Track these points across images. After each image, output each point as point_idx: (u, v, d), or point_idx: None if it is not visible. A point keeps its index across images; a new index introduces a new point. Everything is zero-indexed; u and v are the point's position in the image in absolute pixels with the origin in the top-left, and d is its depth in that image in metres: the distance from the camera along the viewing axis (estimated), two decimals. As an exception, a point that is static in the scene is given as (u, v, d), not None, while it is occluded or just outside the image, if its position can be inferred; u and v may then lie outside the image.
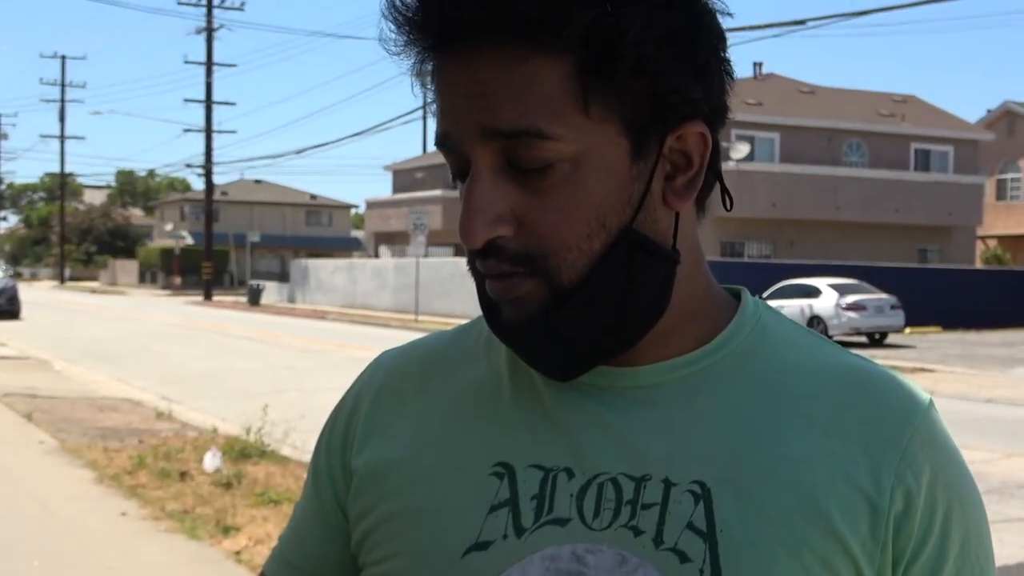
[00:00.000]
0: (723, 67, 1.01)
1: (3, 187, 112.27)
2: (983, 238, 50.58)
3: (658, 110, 0.94)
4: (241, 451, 10.56)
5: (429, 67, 0.98)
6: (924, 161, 48.76)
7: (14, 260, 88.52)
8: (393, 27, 0.95)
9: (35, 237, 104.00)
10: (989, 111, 55.50)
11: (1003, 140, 52.97)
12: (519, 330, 0.98)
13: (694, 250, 1.04)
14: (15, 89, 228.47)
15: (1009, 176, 54.24)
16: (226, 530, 7.71)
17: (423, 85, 1.00)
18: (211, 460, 10.03)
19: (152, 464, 10.11)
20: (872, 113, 49.09)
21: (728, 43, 1.02)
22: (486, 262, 0.96)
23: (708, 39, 0.98)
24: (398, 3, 0.94)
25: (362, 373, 1.20)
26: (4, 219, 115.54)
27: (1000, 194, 53.80)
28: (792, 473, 0.96)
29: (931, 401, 1.03)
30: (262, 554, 7.15)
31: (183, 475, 9.63)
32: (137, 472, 9.82)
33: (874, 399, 1.01)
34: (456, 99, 0.94)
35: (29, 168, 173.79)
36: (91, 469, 10.10)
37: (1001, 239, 50.97)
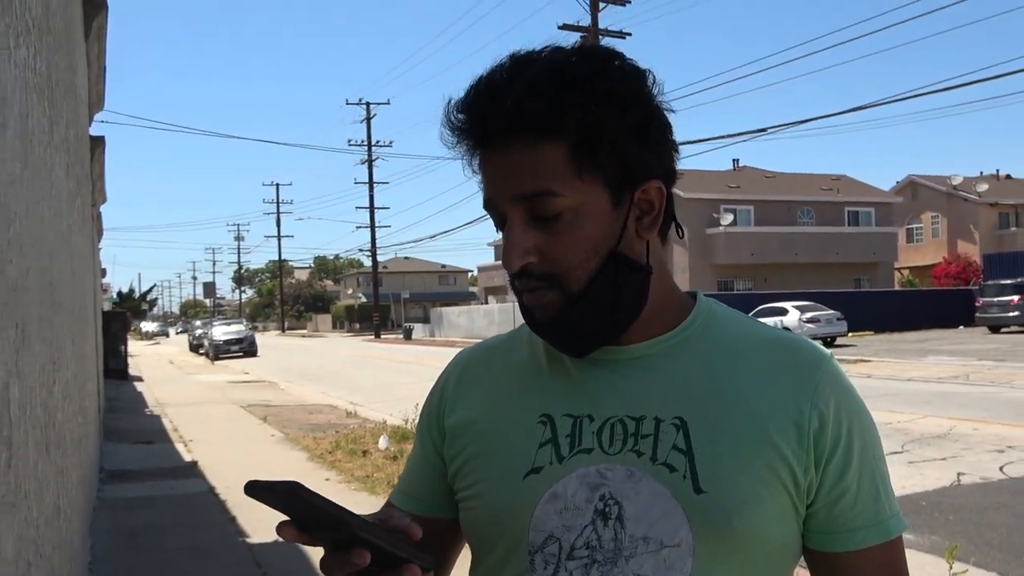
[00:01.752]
0: (671, 144, 1.04)
1: (243, 270, 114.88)
2: (899, 269, 49.49)
3: (628, 174, 0.99)
4: (402, 435, 10.54)
5: (476, 157, 1.03)
6: (855, 219, 47.83)
7: (252, 318, 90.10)
8: (449, 133, 1.02)
9: (264, 302, 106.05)
10: (898, 182, 54.32)
11: (909, 202, 52.02)
12: (547, 326, 1.03)
13: (662, 265, 1.07)
14: (248, 207, 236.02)
15: (914, 226, 53.13)
16: (394, 487, 7.75)
17: (472, 170, 1.04)
18: (383, 442, 10.09)
19: (344, 446, 10.20)
20: (816, 188, 48.38)
21: (674, 131, 1.05)
22: (521, 281, 1.00)
23: (659, 126, 1.02)
24: (452, 118, 1.01)
25: (448, 364, 1.23)
26: (244, 291, 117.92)
27: (909, 238, 52.68)
28: (743, 407, 1.00)
29: (831, 355, 1.07)
30: (418, 502, 7.18)
31: (364, 452, 9.69)
32: (335, 452, 9.92)
33: (794, 355, 1.04)
34: (494, 176, 1.00)
35: (259, 257, 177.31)
36: (304, 451, 10.24)
37: (911, 269, 49.91)
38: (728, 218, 43.09)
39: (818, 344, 1.09)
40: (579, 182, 0.97)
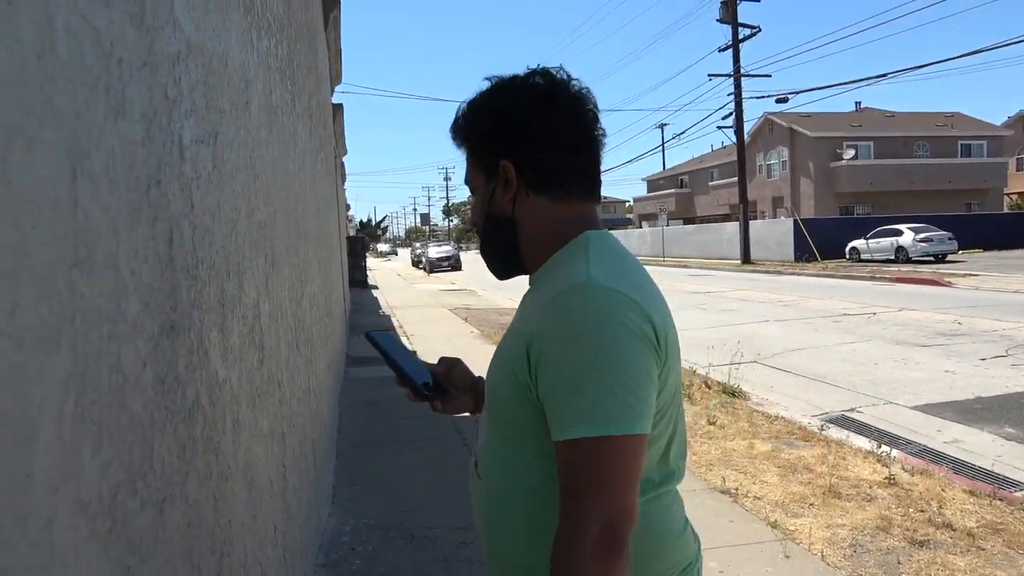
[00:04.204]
0: (534, 137, 1.13)
1: (450, 203, 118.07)
2: (1008, 194, 44.37)
3: (488, 161, 1.17)
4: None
5: None
6: (967, 151, 42.94)
7: (458, 240, 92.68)
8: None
9: (467, 228, 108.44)
10: (1009, 116, 48.30)
11: (1019, 134, 46.11)
12: (484, 259, 1.27)
13: (544, 213, 1.15)
14: (454, 153, 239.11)
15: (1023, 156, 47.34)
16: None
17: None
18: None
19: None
20: (932, 125, 43.70)
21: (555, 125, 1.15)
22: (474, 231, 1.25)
23: (518, 128, 1.13)
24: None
25: None
26: (452, 219, 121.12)
27: (1019, 167, 46.89)
28: (515, 332, 1.11)
29: (572, 290, 1.01)
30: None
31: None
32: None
33: (549, 293, 1.05)
34: None
35: (463, 193, 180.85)
36: (494, 344, 10.35)
37: (1020, 194, 44.66)
38: (850, 153, 39.93)
39: (573, 286, 1.02)
40: (474, 169, 1.20)
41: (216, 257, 1.36)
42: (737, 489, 4.13)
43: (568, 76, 1.16)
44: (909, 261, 25.26)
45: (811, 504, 3.87)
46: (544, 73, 1.15)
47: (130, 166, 0.87)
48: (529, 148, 1.12)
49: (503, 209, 1.15)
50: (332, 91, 10.84)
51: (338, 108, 11.21)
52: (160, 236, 0.97)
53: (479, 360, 10.03)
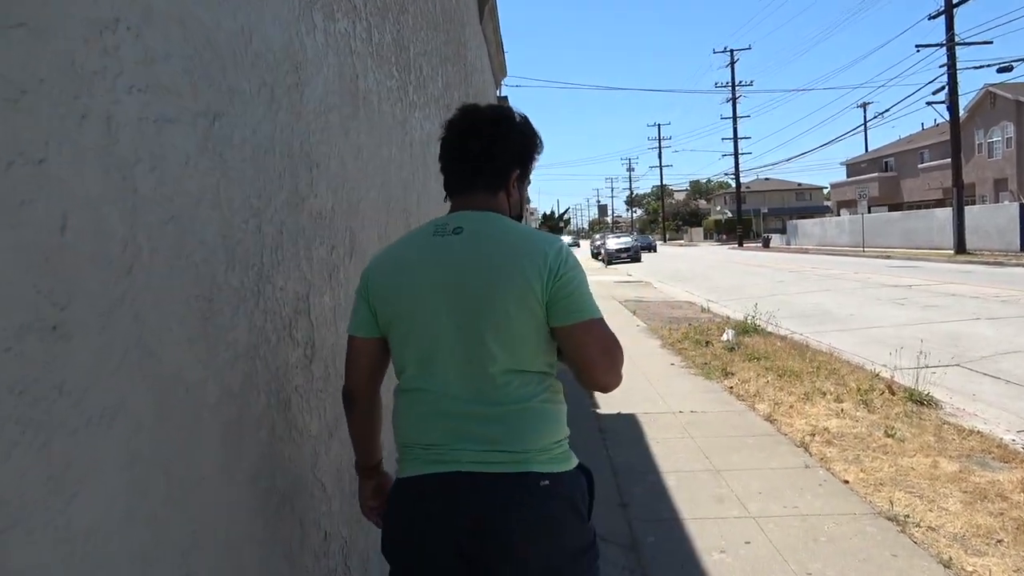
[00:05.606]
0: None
1: (633, 194, 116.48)
2: None
3: None
4: (743, 329, 9.90)
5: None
6: None
7: (640, 231, 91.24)
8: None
9: (650, 219, 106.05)
10: None
11: None
12: None
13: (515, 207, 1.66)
14: (636, 143, 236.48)
15: None
16: (726, 374, 7.26)
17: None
18: (727, 335, 9.54)
19: (692, 336, 9.76)
20: None
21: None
22: None
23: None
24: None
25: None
26: (635, 211, 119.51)
27: None
28: None
29: None
30: (745, 388, 6.66)
31: (707, 343, 9.19)
32: (683, 341, 9.50)
33: None
34: None
35: (646, 183, 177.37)
36: (659, 339, 9.99)
37: None
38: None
39: None
40: None
41: (197, 247, 1.24)
42: (907, 517, 3.53)
43: (470, 107, 1.64)
44: None
45: (999, 540, 3.22)
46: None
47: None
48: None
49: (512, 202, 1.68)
50: (498, 84, 10.90)
51: (503, 101, 11.28)
52: (34, 223, 0.85)
53: (640, 355, 9.53)
